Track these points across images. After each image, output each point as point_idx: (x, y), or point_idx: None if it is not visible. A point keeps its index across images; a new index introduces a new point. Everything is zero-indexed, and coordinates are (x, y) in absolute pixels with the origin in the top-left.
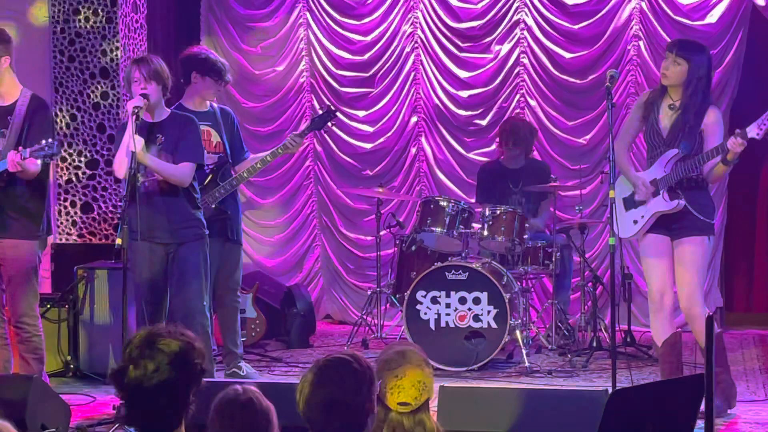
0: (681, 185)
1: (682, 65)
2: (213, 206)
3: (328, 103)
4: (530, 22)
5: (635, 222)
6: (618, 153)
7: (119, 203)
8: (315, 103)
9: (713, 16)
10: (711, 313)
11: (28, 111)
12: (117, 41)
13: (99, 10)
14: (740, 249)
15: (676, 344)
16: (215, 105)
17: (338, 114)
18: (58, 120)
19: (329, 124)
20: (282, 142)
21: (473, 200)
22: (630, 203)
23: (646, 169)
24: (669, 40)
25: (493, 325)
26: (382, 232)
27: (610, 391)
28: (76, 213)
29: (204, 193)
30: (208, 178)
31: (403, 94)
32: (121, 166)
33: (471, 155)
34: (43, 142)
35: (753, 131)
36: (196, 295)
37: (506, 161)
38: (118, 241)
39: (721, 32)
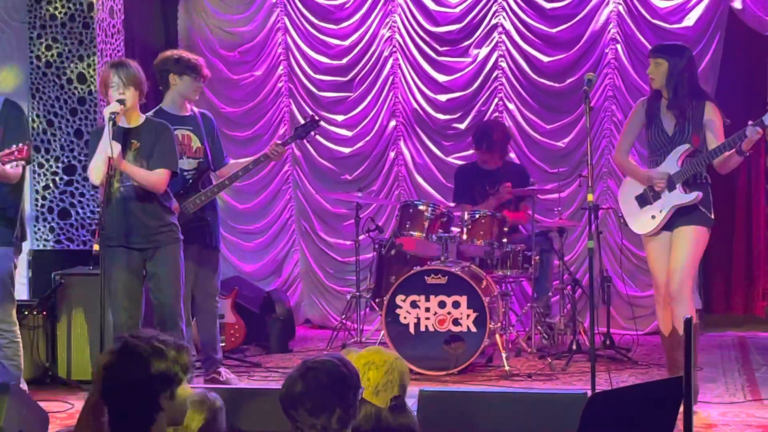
0: (688, 181)
1: (661, 65)
2: (192, 213)
3: (311, 112)
4: (508, 25)
5: (653, 217)
6: (621, 160)
7: (96, 209)
8: (293, 107)
9: (690, 20)
10: (689, 316)
11: (2, 115)
12: (94, 46)
13: (75, 15)
14: (718, 251)
15: (677, 335)
16: (196, 110)
17: (322, 123)
18: (34, 126)
19: (312, 133)
20: (260, 146)
21: (452, 204)
22: (644, 200)
23: (649, 168)
24: (646, 43)
25: (473, 328)
26: (361, 237)
27: (589, 394)
28: (53, 219)
29: (184, 200)
30: (189, 184)
31: (381, 98)
32: (96, 172)
33: (450, 159)
34: (13, 146)
35: None
36: (173, 300)
37: (482, 163)
38: (96, 247)
39: (697, 35)
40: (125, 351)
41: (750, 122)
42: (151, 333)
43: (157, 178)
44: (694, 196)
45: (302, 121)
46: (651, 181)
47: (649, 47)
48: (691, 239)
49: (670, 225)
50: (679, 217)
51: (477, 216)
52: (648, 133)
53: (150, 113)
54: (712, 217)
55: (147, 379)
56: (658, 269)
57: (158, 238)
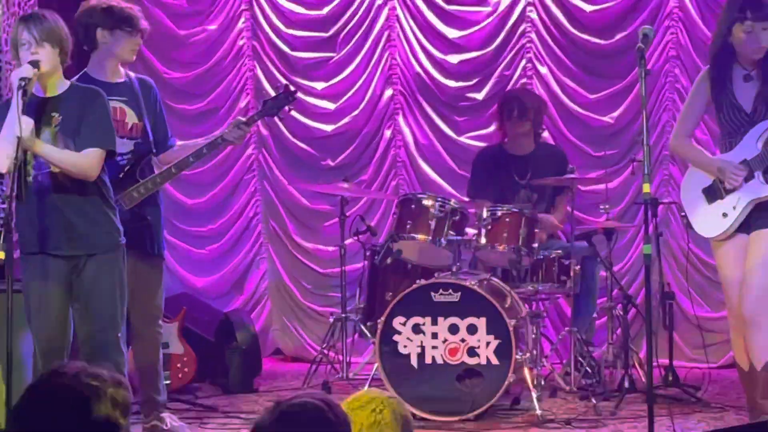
0: None
1: None
2: (128, 209)
3: (284, 80)
4: None
5: (725, 215)
6: (680, 147)
7: (2, 205)
8: (259, 72)
9: None
10: None
11: None
12: None
13: None
14: None
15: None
16: (132, 75)
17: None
18: None
19: (286, 108)
20: (216, 123)
21: (466, 198)
22: (713, 193)
23: (722, 152)
24: None
25: (494, 360)
26: (348, 241)
27: None
28: None
29: (117, 192)
30: (123, 173)
31: (374, 61)
32: (1, 157)
33: (463, 139)
34: None
35: None
36: (108, 325)
37: (510, 146)
38: (0, 254)
39: None
40: (47, 394)
41: None
42: (78, 366)
43: (85, 160)
44: None
45: (272, 92)
46: (723, 173)
47: None
48: None
49: (747, 226)
50: (757, 215)
51: (499, 213)
52: (720, 110)
53: (72, 80)
54: None
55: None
56: (731, 284)
57: (90, 243)
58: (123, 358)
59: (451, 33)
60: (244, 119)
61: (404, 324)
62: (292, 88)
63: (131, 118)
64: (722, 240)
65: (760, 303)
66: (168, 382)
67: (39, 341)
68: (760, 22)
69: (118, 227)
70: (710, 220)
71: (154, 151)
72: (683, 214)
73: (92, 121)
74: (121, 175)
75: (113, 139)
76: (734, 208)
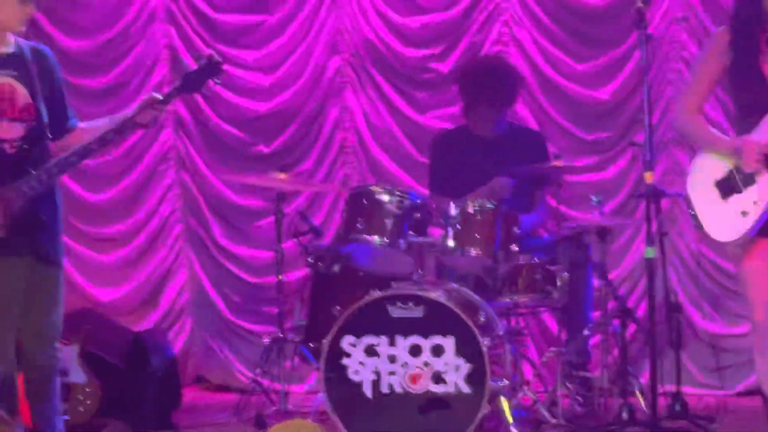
0: None
1: None
2: (18, 207)
3: (202, 46)
4: None
5: (744, 213)
6: (687, 122)
7: None
8: (176, 39)
9: None
10: None
11: None
12: None
13: None
14: None
15: None
16: (23, 43)
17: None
18: None
19: (212, 83)
20: (124, 102)
21: (428, 191)
22: (729, 186)
23: (740, 135)
24: None
25: (465, 388)
26: (285, 244)
27: None
28: None
29: (4, 186)
30: (13, 161)
31: (316, 24)
32: None
33: (426, 119)
34: None
35: None
36: None
37: (476, 127)
38: None
39: None
40: None
41: None
42: None
43: None
44: None
45: (193, 64)
46: (740, 156)
47: None
48: None
49: None
50: None
51: (471, 210)
52: (735, 81)
53: None
54: None
55: None
56: (759, 297)
57: None
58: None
59: None
60: (159, 96)
61: (355, 345)
62: (218, 58)
63: (22, 96)
64: (747, 247)
65: None
66: (66, 417)
67: None
68: None
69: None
70: (726, 220)
71: (51, 136)
72: (692, 212)
73: None
74: (9, 165)
75: None
76: (756, 203)
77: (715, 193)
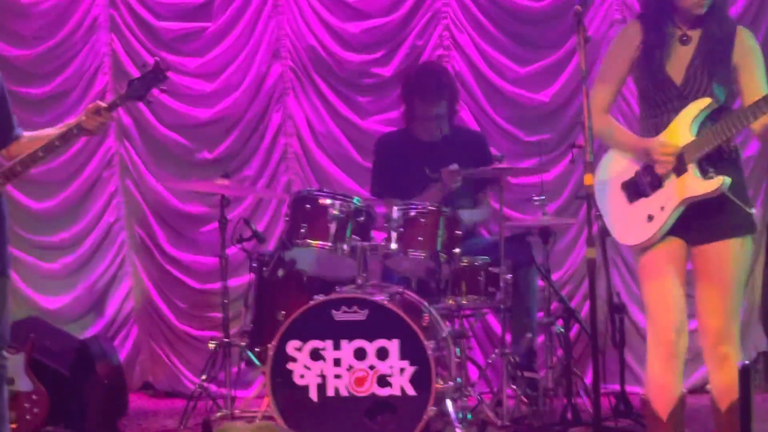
0: (710, 158)
1: None
2: None
3: (144, 53)
4: None
5: (650, 218)
6: (597, 118)
7: None
8: (118, 46)
9: None
10: (748, 362)
11: None
12: None
13: None
14: None
15: (682, 413)
16: None
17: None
18: None
19: (156, 91)
20: (67, 110)
21: (371, 195)
22: (636, 190)
23: (645, 136)
24: None
25: (410, 391)
26: (230, 250)
27: None
28: None
29: None
30: None
31: (257, 30)
32: None
33: (368, 124)
34: None
35: None
36: None
37: (418, 130)
38: None
39: None
40: None
41: None
42: None
43: None
44: (718, 183)
45: (135, 71)
46: (649, 157)
47: None
48: (730, 264)
49: (683, 230)
50: (701, 220)
51: (413, 213)
52: (641, 79)
53: None
54: (752, 210)
55: None
56: (663, 303)
57: None
58: None
59: None
60: (104, 104)
61: (300, 349)
62: (163, 66)
63: None
64: (648, 247)
65: (724, 331)
66: (14, 425)
67: None
68: None
69: None
70: (632, 223)
71: None
72: (598, 213)
73: None
74: None
75: None
76: (662, 208)
77: (622, 196)
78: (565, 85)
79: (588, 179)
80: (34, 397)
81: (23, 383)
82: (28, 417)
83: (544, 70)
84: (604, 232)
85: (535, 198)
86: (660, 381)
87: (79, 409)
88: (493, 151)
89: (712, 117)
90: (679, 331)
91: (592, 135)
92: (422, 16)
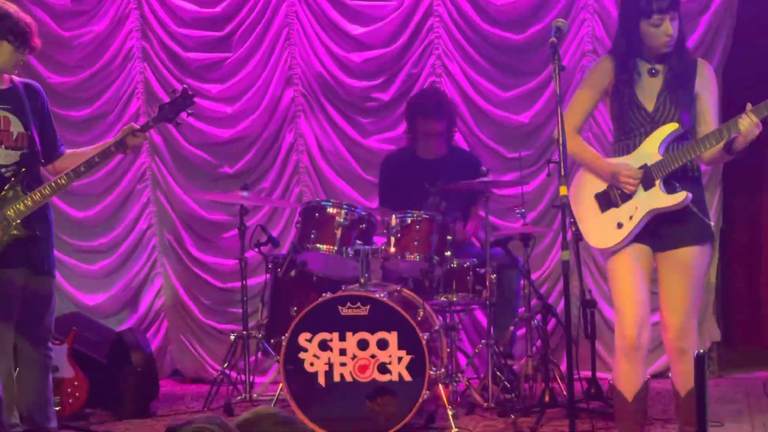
0: (676, 175)
1: (676, 20)
2: (15, 225)
3: (183, 85)
4: None
5: (620, 225)
6: (569, 140)
7: None
8: (150, 74)
9: None
10: (703, 351)
11: None
12: None
13: None
14: (741, 269)
15: (646, 398)
16: (17, 80)
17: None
18: None
19: (185, 114)
20: (104, 130)
21: (374, 205)
22: (607, 201)
23: (618, 156)
24: None
25: (407, 377)
26: (248, 253)
27: None
28: None
29: (3, 207)
30: (9, 185)
31: (272, 60)
32: None
33: (369, 142)
34: None
35: None
36: None
37: (421, 149)
38: None
39: None
40: None
41: (749, 106)
42: None
43: None
44: (682, 198)
45: (164, 96)
46: (617, 179)
47: None
48: (692, 268)
49: (649, 237)
50: (666, 229)
51: (409, 221)
52: (615, 107)
53: None
54: (711, 222)
55: None
56: (629, 303)
57: None
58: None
59: (355, 29)
60: (138, 126)
61: (310, 340)
62: (190, 92)
63: (16, 126)
64: (620, 250)
65: (685, 328)
66: (58, 408)
67: None
68: (668, 12)
69: None
70: (603, 230)
71: (42, 161)
72: (572, 220)
73: None
74: (6, 188)
75: None
76: (631, 218)
77: (595, 206)
78: (543, 108)
79: (563, 191)
80: (75, 382)
81: (66, 370)
82: (70, 400)
83: (524, 94)
84: (578, 238)
85: (517, 208)
86: (624, 369)
87: (116, 394)
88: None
89: (678, 139)
90: (641, 327)
91: (566, 152)
92: (417, 48)
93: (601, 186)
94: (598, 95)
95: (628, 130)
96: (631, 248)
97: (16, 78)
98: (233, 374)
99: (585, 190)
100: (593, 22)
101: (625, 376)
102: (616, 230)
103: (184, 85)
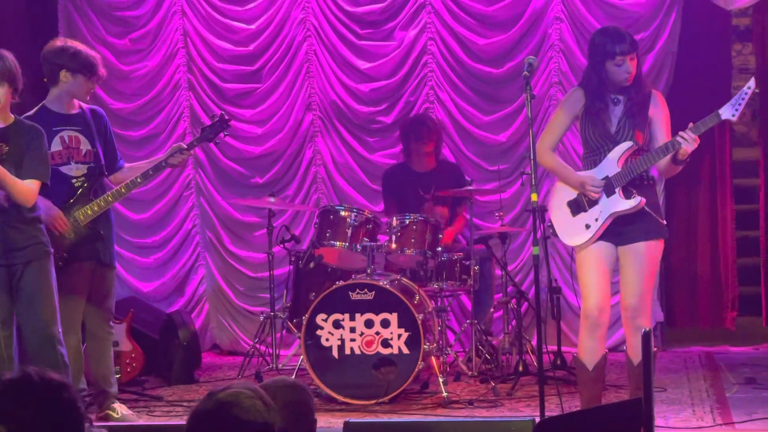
0: (633, 183)
1: (635, 59)
2: (84, 225)
3: (220, 110)
4: (438, 4)
5: (588, 226)
6: (542, 155)
7: None
8: (194, 101)
9: None
10: (649, 329)
11: None
12: None
13: None
14: (680, 255)
15: (603, 367)
16: (85, 106)
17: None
18: None
19: (222, 135)
20: (156, 147)
21: (379, 209)
22: (577, 207)
23: (586, 169)
24: (594, 21)
25: (405, 350)
26: (275, 248)
27: (537, 420)
28: None
29: (74, 210)
30: (79, 193)
31: (294, 89)
32: None
33: (375, 157)
34: None
35: (728, 112)
36: (49, 322)
37: (414, 164)
38: None
39: (652, 13)
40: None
41: (691, 125)
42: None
43: (28, 189)
44: (636, 202)
45: (206, 120)
46: (584, 188)
47: (598, 26)
48: (648, 258)
49: (612, 235)
50: (625, 228)
51: (407, 222)
52: (585, 129)
53: (32, 112)
54: (664, 222)
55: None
56: (592, 289)
57: (27, 252)
58: (64, 347)
59: (363, 65)
60: (185, 145)
61: (326, 320)
62: (227, 117)
63: (85, 144)
64: (584, 247)
65: (640, 307)
66: (118, 375)
67: None
68: (629, 54)
69: (47, 238)
70: (574, 230)
71: (106, 173)
72: (550, 224)
73: (35, 156)
74: (76, 196)
75: (48, 173)
76: (596, 220)
77: (567, 211)
78: (517, 129)
79: (534, 197)
80: (132, 355)
81: (125, 345)
82: (128, 370)
83: (502, 118)
84: (545, 237)
85: (496, 212)
86: (586, 344)
87: (166, 364)
88: (466, 177)
89: (634, 154)
90: (602, 310)
91: (536, 165)
92: (414, 80)
93: (572, 194)
94: (570, 119)
95: (594, 148)
96: (596, 245)
97: (84, 105)
98: (262, 348)
99: (559, 198)
100: (559, 59)
101: (587, 349)
102: (584, 230)
103: (222, 111)
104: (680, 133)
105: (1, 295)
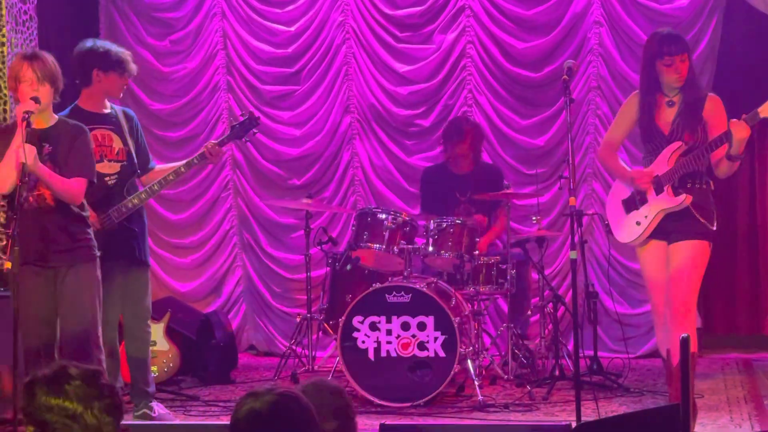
0: (684, 183)
1: (686, 61)
2: (117, 222)
3: (252, 108)
4: (477, 7)
5: (638, 223)
6: (605, 157)
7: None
8: (233, 103)
9: None
10: (686, 335)
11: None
12: (2, 35)
13: None
14: (720, 263)
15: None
16: (117, 107)
17: (260, 120)
18: None
19: (252, 132)
20: (195, 148)
21: (416, 212)
22: (630, 205)
23: (646, 167)
24: (634, 26)
25: (441, 353)
26: (311, 250)
27: (573, 425)
28: None
29: (107, 208)
30: (112, 191)
31: (333, 92)
32: (6, 180)
33: (412, 160)
34: None
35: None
36: (91, 325)
37: (452, 165)
38: (7, 264)
39: (693, 17)
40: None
41: (744, 116)
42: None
43: (75, 187)
44: (681, 199)
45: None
46: (633, 183)
47: (637, 30)
48: (693, 257)
49: (663, 234)
50: (673, 227)
51: (444, 225)
52: (642, 130)
53: (66, 111)
54: (714, 228)
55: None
56: (653, 285)
57: (72, 254)
58: (102, 353)
59: (401, 68)
60: (216, 141)
61: (362, 322)
62: (256, 114)
63: (117, 143)
64: (642, 246)
65: (686, 303)
66: (155, 375)
67: (32, 341)
68: (678, 55)
69: (94, 241)
70: (627, 227)
71: (138, 171)
72: (606, 222)
73: (80, 154)
74: (109, 193)
75: (94, 171)
76: (646, 217)
77: (621, 209)
78: (555, 133)
79: (572, 201)
80: (170, 354)
81: (162, 344)
82: (165, 369)
83: (540, 122)
84: (582, 241)
85: (533, 215)
86: (663, 339)
87: (203, 364)
88: (505, 180)
89: (684, 154)
90: (667, 304)
91: (574, 169)
92: (452, 83)
93: (627, 193)
94: (628, 122)
95: (650, 149)
96: (654, 244)
97: (115, 105)
98: (299, 349)
99: (615, 196)
100: (598, 63)
101: (665, 344)
102: (635, 227)
103: (250, 110)
104: (730, 122)
105: (48, 300)
